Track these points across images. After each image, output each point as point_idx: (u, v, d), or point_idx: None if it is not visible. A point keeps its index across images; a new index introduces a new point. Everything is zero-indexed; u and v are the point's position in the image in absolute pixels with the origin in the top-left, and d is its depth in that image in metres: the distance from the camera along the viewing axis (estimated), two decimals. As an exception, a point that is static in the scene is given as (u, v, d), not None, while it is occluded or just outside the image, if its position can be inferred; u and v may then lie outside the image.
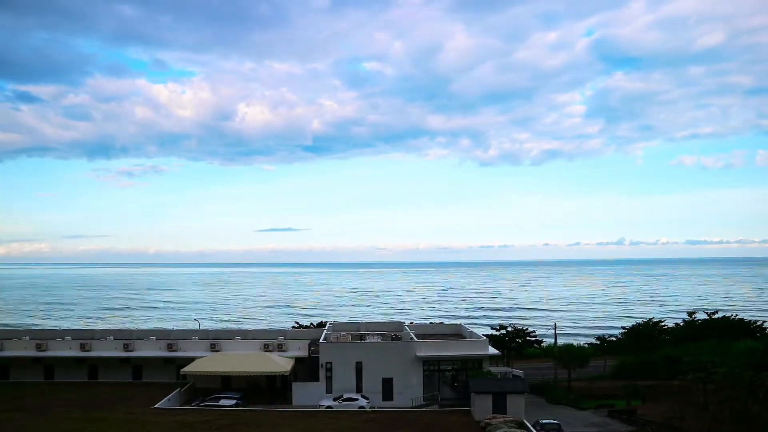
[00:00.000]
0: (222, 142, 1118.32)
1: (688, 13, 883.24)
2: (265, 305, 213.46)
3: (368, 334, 63.47)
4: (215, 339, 63.04)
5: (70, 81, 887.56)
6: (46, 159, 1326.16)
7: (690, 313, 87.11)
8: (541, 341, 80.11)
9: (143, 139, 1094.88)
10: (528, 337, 76.83)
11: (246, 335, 65.88)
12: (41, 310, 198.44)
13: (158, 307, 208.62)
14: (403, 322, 72.58)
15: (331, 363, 55.04)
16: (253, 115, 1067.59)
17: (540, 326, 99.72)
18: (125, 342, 61.42)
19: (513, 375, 59.04)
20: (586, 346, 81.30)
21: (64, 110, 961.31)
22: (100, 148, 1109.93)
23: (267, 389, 57.80)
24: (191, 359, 57.54)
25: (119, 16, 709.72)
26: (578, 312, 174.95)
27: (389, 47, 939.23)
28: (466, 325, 69.50)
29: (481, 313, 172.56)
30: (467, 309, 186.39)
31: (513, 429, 40.76)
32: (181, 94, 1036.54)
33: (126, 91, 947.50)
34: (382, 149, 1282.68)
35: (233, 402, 51.15)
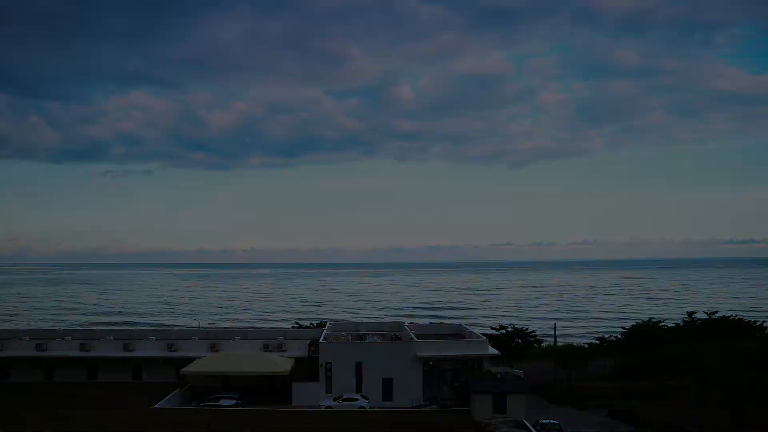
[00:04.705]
0: (203, 147, 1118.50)
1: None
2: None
3: (368, 334, 63.54)
4: (215, 339, 63.05)
5: (49, 86, 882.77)
6: (32, 163, 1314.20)
7: (690, 313, 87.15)
8: (541, 341, 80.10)
9: (124, 144, 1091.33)
10: (528, 337, 76.81)
11: (246, 335, 65.90)
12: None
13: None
14: (403, 322, 72.60)
15: (331, 363, 55.03)
16: (225, 121, 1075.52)
17: (540, 326, 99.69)
18: (125, 342, 61.45)
19: (513, 375, 59.12)
20: (586, 346, 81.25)
21: (47, 115, 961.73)
22: (81, 154, 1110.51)
23: (267, 389, 57.81)
24: (191, 359, 57.48)
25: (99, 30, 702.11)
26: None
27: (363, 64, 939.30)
28: (465, 325, 69.56)
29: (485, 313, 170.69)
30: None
31: (513, 429, 40.80)
32: (156, 103, 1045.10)
33: (104, 99, 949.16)
34: (357, 155, 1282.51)
35: (233, 402, 51.15)
